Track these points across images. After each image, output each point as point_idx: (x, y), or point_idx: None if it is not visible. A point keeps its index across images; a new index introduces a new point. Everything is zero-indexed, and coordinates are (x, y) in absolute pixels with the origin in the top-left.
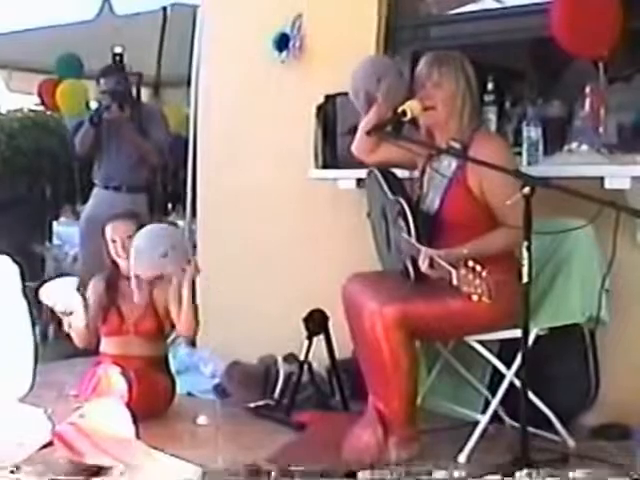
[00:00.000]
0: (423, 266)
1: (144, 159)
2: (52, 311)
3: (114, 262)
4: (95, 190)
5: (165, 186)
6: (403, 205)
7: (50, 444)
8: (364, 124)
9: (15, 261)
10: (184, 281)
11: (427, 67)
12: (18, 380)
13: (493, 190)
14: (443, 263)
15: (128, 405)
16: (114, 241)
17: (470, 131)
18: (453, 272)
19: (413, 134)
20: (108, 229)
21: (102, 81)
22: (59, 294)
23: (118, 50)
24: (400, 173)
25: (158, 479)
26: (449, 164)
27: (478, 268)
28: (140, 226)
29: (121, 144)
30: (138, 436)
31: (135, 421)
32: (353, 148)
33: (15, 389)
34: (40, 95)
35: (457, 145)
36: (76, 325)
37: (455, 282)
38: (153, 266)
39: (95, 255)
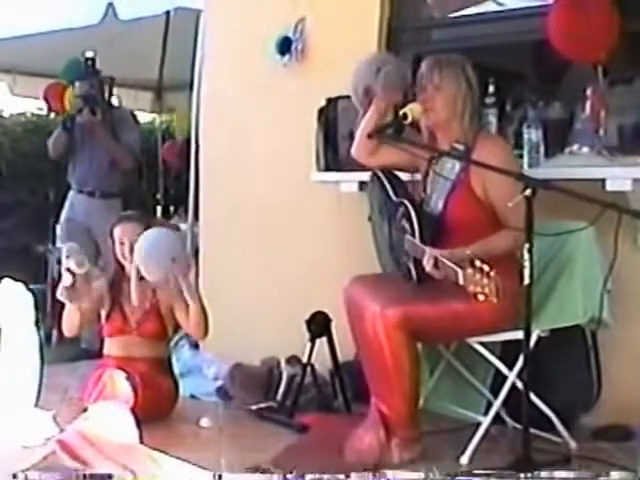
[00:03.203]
0: (428, 266)
1: (117, 163)
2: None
3: (119, 263)
4: (70, 193)
5: (167, 189)
6: (407, 207)
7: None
8: (364, 124)
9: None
10: (187, 285)
11: (428, 70)
12: (22, 404)
13: (496, 192)
14: (449, 263)
15: (132, 409)
16: (122, 243)
17: (472, 133)
18: (459, 272)
19: (415, 137)
20: (117, 230)
21: (77, 84)
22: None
23: (89, 55)
24: (403, 176)
25: None
26: (452, 166)
27: (485, 268)
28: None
29: (94, 148)
30: (142, 441)
31: (139, 426)
32: (352, 151)
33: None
34: (46, 99)
35: (460, 147)
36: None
37: (461, 282)
38: (163, 270)
39: None
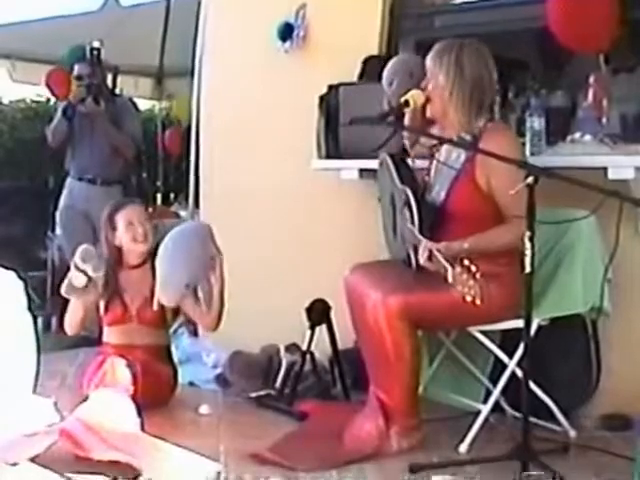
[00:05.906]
0: (422, 258)
1: (118, 151)
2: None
3: (118, 249)
4: (68, 181)
5: (167, 176)
6: (408, 194)
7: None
8: None
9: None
10: (213, 287)
11: (429, 57)
12: (19, 393)
13: (498, 182)
14: (440, 258)
15: (132, 397)
16: (131, 224)
17: (480, 123)
18: (449, 269)
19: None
20: (121, 214)
21: (76, 67)
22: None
23: (96, 45)
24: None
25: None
26: (458, 156)
27: (473, 268)
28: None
29: (95, 137)
30: (143, 429)
31: (140, 414)
32: None
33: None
34: (48, 85)
35: (467, 137)
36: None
37: (450, 280)
38: (176, 298)
39: (76, 244)
